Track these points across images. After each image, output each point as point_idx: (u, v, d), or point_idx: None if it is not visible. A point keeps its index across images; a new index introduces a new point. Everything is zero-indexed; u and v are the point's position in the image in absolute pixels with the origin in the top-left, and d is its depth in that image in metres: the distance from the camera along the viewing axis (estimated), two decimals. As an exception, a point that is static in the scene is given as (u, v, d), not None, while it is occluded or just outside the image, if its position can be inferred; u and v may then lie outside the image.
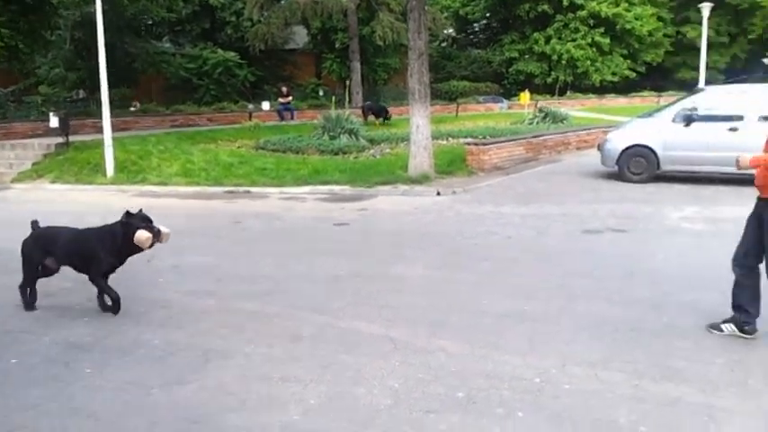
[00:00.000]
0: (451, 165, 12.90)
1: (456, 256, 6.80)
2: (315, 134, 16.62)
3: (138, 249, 5.04)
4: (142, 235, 4.92)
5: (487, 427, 3.35)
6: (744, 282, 4.56)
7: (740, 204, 9.03)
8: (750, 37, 45.20)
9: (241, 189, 11.38)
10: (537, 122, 20.39)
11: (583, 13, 41.84)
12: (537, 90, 38.65)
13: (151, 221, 5.11)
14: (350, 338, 4.55)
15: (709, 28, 28.56)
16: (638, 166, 11.33)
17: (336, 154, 14.77)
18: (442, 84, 38.45)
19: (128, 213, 5.10)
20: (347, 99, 21.12)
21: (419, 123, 11.94)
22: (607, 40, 42.42)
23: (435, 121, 16.19)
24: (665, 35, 44.83)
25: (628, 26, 42.02)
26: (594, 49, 42.59)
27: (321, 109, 24.44)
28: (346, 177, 11.69)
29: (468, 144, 13.80)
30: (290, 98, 26.01)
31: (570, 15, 42.40)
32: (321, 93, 33.78)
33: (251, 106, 25.71)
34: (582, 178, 12.08)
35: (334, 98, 18.33)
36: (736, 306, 4.55)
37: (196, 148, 14.60)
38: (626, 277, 5.90)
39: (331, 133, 16.28)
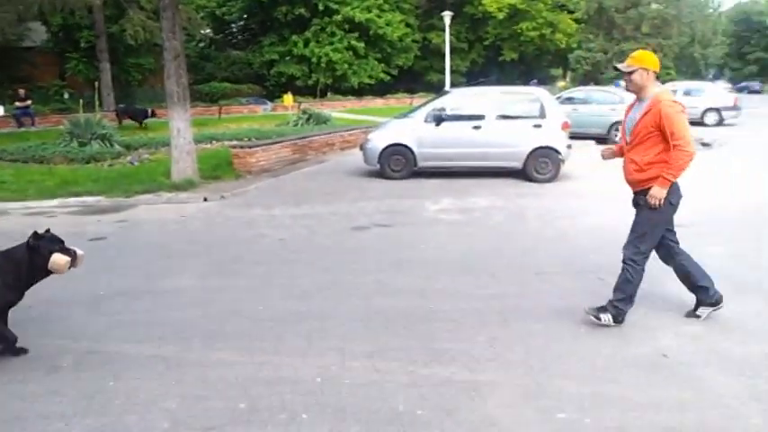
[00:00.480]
0: (217, 169, 12.56)
1: (229, 262, 6.62)
2: (61, 141, 15.10)
3: (43, 276, 4.22)
4: (60, 259, 4.11)
5: (272, 433, 3.30)
6: (681, 265, 4.76)
7: (487, 195, 10.10)
8: (485, 43, 50.55)
9: (-27, 206, 9.93)
10: (301, 124, 20.69)
11: (338, 17, 43.45)
12: (299, 92, 39.33)
13: (63, 242, 4.26)
14: (117, 363, 4.18)
15: (450, 35, 31.28)
16: (398, 163, 12.03)
17: (88, 162, 13.59)
18: (201, 85, 37.36)
19: (35, 234, 4.18)
20: (97, 102, 19.55)
21: (180, 127, 11.43)
22: (362, 45, 44.56)
23: (197, 124, 15.68)
24: (413, 41, 48.33)
25: (380, 31, 44.51)
26: (351, 53, 44.49)
27: (67, 113, 22.40)
28: (101, 187, 10.78)
29: (234, 147, 13.55)
30: (29, 102, 23.43)
31: (326, 20, 43.80)
32: (66, 95, 30.94)
33: (-18, 112, 22.73)
34: (348, 177, 12.50)
35: (82, 101, 16.81)
36: (693, 289, 4.76)
37: None
38: (393, 268, 6.21)
39: (80, 140, 14.92)
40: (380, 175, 12.11)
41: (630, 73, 4.49)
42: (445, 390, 3.71)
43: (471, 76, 48.95)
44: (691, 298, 4.80)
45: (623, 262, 4.61)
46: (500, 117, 11.77)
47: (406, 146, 11.96)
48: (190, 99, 11.95)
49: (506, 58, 49.94)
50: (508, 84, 28.30)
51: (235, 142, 16.12)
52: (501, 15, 47.11)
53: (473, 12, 48.86)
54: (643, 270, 4.59)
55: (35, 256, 4.17)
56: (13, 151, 14.37)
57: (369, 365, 4.05)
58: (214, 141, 17.37)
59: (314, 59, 43.63)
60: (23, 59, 33.30)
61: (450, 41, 32.35)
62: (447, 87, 28.36)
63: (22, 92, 23.46)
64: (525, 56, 50.92)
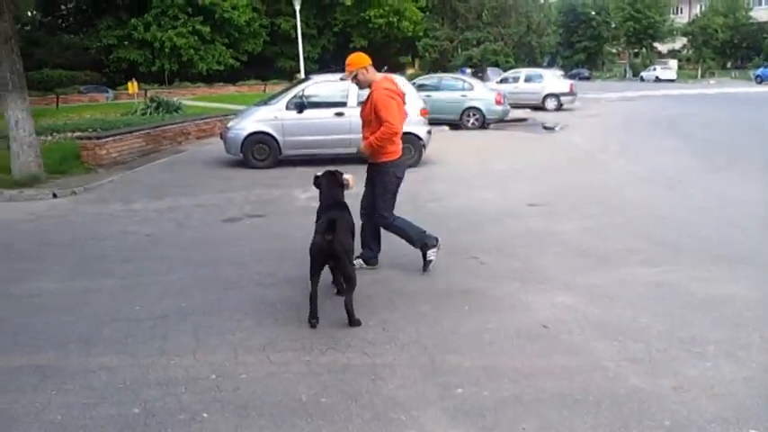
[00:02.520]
0: (64, 163, 11.66)
1: (93, 262, 6.20)
2: None
3: None
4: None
5: (173, 436, 3.18)
6: (367, 226, 5.77)
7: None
8: (335, 30, 50.73)
9: None
10: (150, 113, 19.65)
11: (180, 0, 41.63)
12: (144, 79, 37.32)
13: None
14: (-17, 377, 3.82)
15: (300, 21, 31.04)
16: (262, 152, 11.83)
17: None
18: (33, 72, 34.33)
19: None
20: None
21: (18, 117, 10.47)
22: (208, 29, 43.16)
23: (34, 115, 14.37)
24: (261, 26, 47.44)
25: (226, 15, 43.32)
26: (197, 38, 42.95)
27: None
28: (-74, 187, 9.65)
29: (81, 139, 12.64)
30: None
31: (168, 2, 41.86)
32: None
33: None
34: (210, 167, 12.11)
35: None
36: (363, 244, 5.76)
37: None
38: (272, 259, 6.14)
39: None
40: (244, 164, 11.85)
41: (355, 77, 5.39)
42: (345, 376, 3.75)
43: (323, 63, 49.04)
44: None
45: (385, 228, 5.72)
46: (361, 104, 11.88)
47: (269, 134, 11.78)
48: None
49: (356, 44, 50.38)
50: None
51: (79, 133, 15.01)
52: (348, 2, 47.48)
53: (321, -2, 48.91)
54: (398, 217, 5.69)
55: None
56: None
57: (263, 358, 4.00)
58: (55, 133, 16.06)
59: (156, 44, 41.60)
60: None
61: (301, 27, 32.15)
62: (302, 74, 28.19)
63: None
64: (374, 43, 51.70)
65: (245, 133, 11.86)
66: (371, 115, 5.36)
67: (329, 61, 49.01)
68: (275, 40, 49.18)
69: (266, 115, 12.04)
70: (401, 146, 5.62)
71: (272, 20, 48.73)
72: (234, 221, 7.82)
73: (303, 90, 12.21)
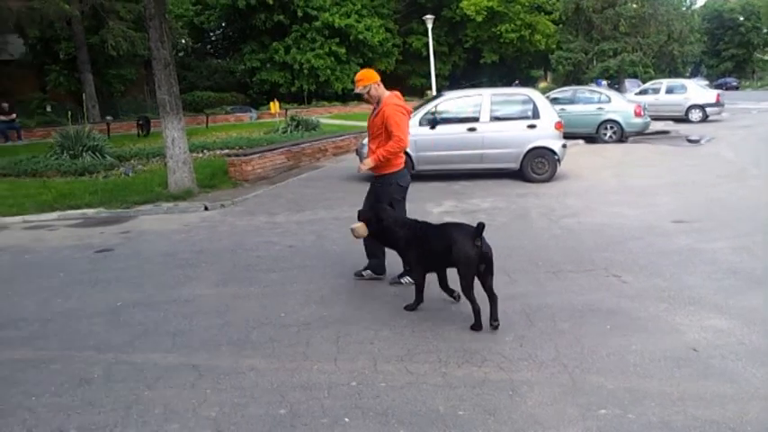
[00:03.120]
0: (214, 178, 12.51)
1: (241, 270, 6.60)
2: (52, 154, 14.92)
3: None
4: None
5: (318, 439, 3.31)
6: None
7: (487, 196, 10.17)
8: (465, 46, 50.81)
9: (-30, 222, 9.81)
10: (290, 131, 20.66)
11: (317, 23, 43.46)
12: (284, 99, 39.22)
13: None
14: (148, 373, 4.17)
15: (432, 39, 31.41)
16: (395, 167, 12.05)
17: (82, 174, 13.47)
18: (185, 95, 37.13)
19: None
20: (84, 113, 19.37)
21: (174, 136, 11.36)
22: (343, 50, 44.60)
23: (187, 134, 15.58)
24: (393, 45, 48.42)
25: (360, 36, 44.57)
26: (333, 59, 44.51)
27: (52, 126, 22.18)
28: (99, 199, 10.69)
29: (229, 155, 13.51)
30: (14, 115, 23.15)
31: (306, 26, 43.78)
32: (49, 108, 30.57)
33: (-35, 127, 22.42)
34: (345, 182, 12.51)
35: (70, 113, 16.65)
36: (370, 254, 6.00)
37: None
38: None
39: (71, 152, 14.76)
40: (378, 179, 12.12)
41: (368, 92, 5.66)
42: (482, 390, 3.74)
43: (454, 79, 49.25)
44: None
45: None
46: (494, 119, 11.85)
47: (402, 150, 11.98)
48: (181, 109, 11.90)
49: (487, 60, 50.23)
50: (491, 86, 28.48)
51: (227, 151, 16.07)
52: (479, 18, 47.37)
53: (451, 15, 49.13)
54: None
55: None
56: (5, 165, 14.20)
57: (402, 368, 4.07)
58: (205, 150, 17.30)
59: (296, 66, 43.59)
60: (1, 73, 32.89)
61: (432, 45, 32.50)
62: (433, 91, 28.49)
63: (5, 105, 23.15)
64: (505, 58, 51.24)
65: (379, 149, 12.14)
66: (381, 129, 5.60)
67: (460, 78, 49.16)
68: (407, 58, 50.03)
69: (400, 131, 12.24)
70: (404, 158, 5.94)
71: (405, 39, 49.65)
72: (369, 235, 8.01)
73: (436, 106, 12.34)
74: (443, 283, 5.19)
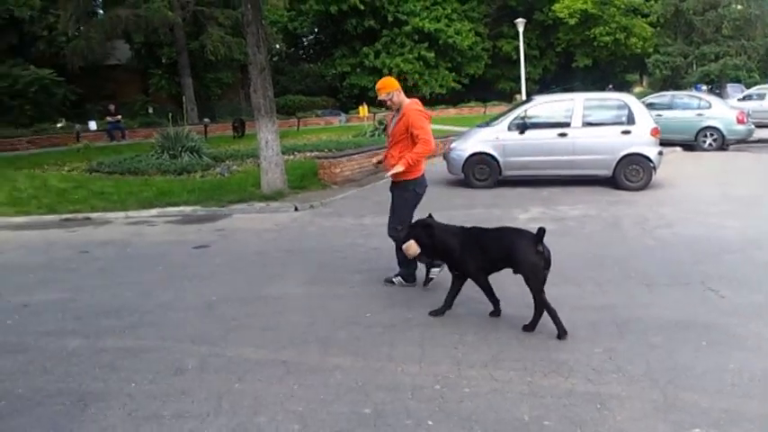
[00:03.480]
0: (304, 179, 12.82)
1: (327, 270, 6.74)
2: (153, 154, 15.74)
3: None
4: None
5: (401, 439, 3.34)
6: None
7: (577, 204, 9.93)
8: (557, 50, 49.72)
9: (80, 216, 10.47)
10: (378, 134, 20.84)
11: (407, 28, 43.71)
12: (373, 103, 39.54)
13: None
14: (238, 366, 4.33)
15: (522, 42, 30.93)
16: (483, 172, 11.99)
17: (180, 173, 14.12)
18: (278, 98, 38.14)
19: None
20: (184, 115, 20.30)
21: (268, 138, 11.73)
22: (432, 54, 44.63)
23: (279, 137, 16.03)
24: (483, 49, 48.02)
25: (449, 41, 44.47)
26: (422, 63, 44.63)
27: (153, 127, 23.33)
28: (196, 197, 11.19)
29: (319, 158, 13.81)
30: (119, 116, 24.53)
31: (396, 30, 44.11)
32: (150, 110, 32.20)
33: (77, 127, 23.91)
34: (432, 186, 12.27)
35: (170, 115, 17.50)
36: (400, 263, 6.09)
37: (20, 174, 13.30)
38: (492, 278, 6.17)
39: (171, 152, 15.52)
40: (465, 184, 12.09)
41: (391, 99, 5.83)
42: (569, 401, 3.67)
43: (544, 84, 48.30)
44: None
45: (395, 241, 5.97)
46: (586, 124, 11.56)
47: (490, 155, 11.91)
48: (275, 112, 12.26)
49: (579, 64, 48.93)
50: (583, 90, 27.76)
51: (316, 153, 16.43)
52: (572, 21, 46.22)
53: (543, 18, 48.19)
54: None
55: None
56: (110, 164, 15.08)
57: (486, 374, 4.05)
58: (296, 153, 17.76)
59: (385, 70, 43.93)
60: (109, 77, 34.93)
61: (523, 49, 32.00)
62: (522, 95, 28.07)
63: (112, 107, 24.57)
64: (599, 61, 49.74)
65: (466, 154, 12.12)
66: (405, 134, 5.76)
67: (550, 82, 48.15)
68: (496, 62, 49.50)
69: (488, 136, 12.19)
70: (423, 166, 6.04)
71: (494, 42, 49.14)
72: (455, 239, 7.99)
73: (526, 111, 12.17)
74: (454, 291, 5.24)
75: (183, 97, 27.18)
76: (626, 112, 11.52)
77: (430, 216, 5.34)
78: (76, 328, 5.21)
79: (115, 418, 3.67)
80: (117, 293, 6.19)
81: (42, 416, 3.73)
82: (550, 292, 4.70)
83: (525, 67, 32.04)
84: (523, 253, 4.59)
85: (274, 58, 47.23)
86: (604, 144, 11.32)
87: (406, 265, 6.04)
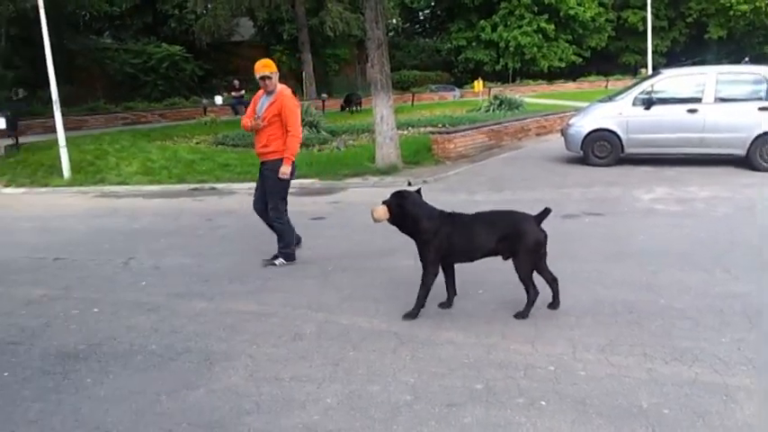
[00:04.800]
0: (417, 155, 12.87)
1: (441, 246, 6.75)
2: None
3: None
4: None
5: (513, 417, 3.32)
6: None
7: (706, 185, 9.36)
8: (688, 20, 46.60)
9: (206, 186, 11.11)
10: (493, 110, 20.55)
11: (527, 0, 42.40)
12: (488, 78, 39.03)
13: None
14: (354, 335, 4.46)
15: (650, 13, 29.23)
16: (603, 149, 11.52)
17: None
18: (393, 73, 38.31)
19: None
20: (303, 91, 20.88)
21: (383, 113, 11.85)
22: (552, 27, 43.19)
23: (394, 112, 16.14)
24: (607, 20, 45.84)
25: (571, 12, 42.84)
26: (540, 36, 43.32)
27: (274, 102, 24.05)
28: (314, 170, 11.53)
29: (433, 133, 13.80)
30: (243, 92, 25.58)
31: (515, 2, 43.01)
32: (272, 85, 33.24)
33: (204, 101, 25.22)
34: (548, 163, 12.22)
35: (290, 90, 18.03)
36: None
37: (153, 145, 14.24)
38: (613, 259, 5.97)
39: (290, 126, 16.00)
40: (583, 161, 11.69)
41: (271, 80, 6.13)
42: (691, 390, 3.50)
43: (672, 57, 45.48)
44: None
45: (274, 221, 6.28)
46: (719, 99, 10.80)
47: (611, 131, 11.42)
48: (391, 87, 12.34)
49: (713, 35, 45.63)
50: (716, 64, 25.90)
51: (430, 128, 16.42)
52: (707, -11, 43.18)
53: (675, -14, 45.32)
54: (288, 219, 6.35)
55: None
56: (234, 137, 15.80)
57: (602, 358, 3.93)
58: (410, 128, 17.84)
59: (502, 44, 43.09)
60: (234, 53, 36.45)
61: (650, 20, 30.19)
62: (648, 69, 26.61)
63: (236, 82, 25.66)
64: (734, 32, 46.16)
65: (585, 130, 11.68)
66: (276, 118, 6.09)
67: (679, 54, 45.26)
68: (620, 34, 47.12)
69: (610, 112, 11.68)
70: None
71: (619, 13, 46.76)
72: (572, 218, 7.78)
73: (652, 85, 11.53)
74: (451, 280, 4.95)
75: (303, 73, 27.93)
76: (764, 86, 10.65)
77: (418, 191, 4.93)
78: (203, 291, 5.56)
79: (238, 377, 3.90)
80: (240, 260, 6.53)
81: (174, 371, 4.02)
82: (675, 276, 4.48)
83: (652, 39, 30.29)
84: (530, 232, 4.57)
85: (390, 33, 47.38)
86: (739, 121, 10.54)
87: (278, 244, 6.32)
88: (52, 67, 12.38)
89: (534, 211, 4.81)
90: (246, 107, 21.86)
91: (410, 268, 5.91)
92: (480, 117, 18.61)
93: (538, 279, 4.69)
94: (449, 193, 9.74)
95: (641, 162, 11.38)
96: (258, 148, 6.35)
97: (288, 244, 6.32)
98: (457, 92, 35.97)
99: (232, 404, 3.56)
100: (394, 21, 43.31)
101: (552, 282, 4.74)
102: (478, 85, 26.05)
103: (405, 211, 4.69)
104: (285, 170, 6.11)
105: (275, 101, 6.13)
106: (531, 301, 4.62)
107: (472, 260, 4.81)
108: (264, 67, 6.16)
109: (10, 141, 14.25)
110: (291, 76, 32.45)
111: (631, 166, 11.22)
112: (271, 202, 6.28)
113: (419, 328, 4.52)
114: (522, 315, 4.61)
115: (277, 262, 6.29)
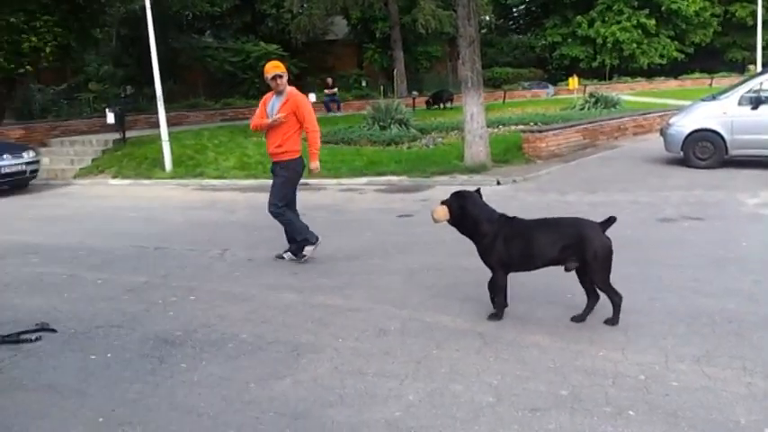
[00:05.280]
0: (507, 153, 12.71)
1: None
2: (365, 125, 16.55)
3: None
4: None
5: (599, 426, 3.22)
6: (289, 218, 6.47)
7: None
8: (806, 13, 43.50)
9: (298, 181, 11.39)
10: (588, 108, 19.96)
11: (627, -7, 40.88)
12: (584, 75, 37.96)
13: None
14: (437, 333, 4.47)
15: (761, 6, 27.51)
16: (705, 151, 10.98)
17: (389, 144, 14.70)
18: (484, 71, 37.90)
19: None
20: (394, 88, 21.02)
21: (473, 111, 11.76)
22: (653, 22, 41.44)
23: (484, 109, 15.98)
24: (712, 15, 43.48)
25: (673, 6, 40.94)
26: (640, 32, 41.64)
27: (365, 99, 24.41)
28: (402, 168, 11.61)
29: (524, 132, 13.58)
30: (336, 89, 26.01)
31: (614, -3, 41.45)
32: (364, 83, 33.71)
33: (298, 98, 25.80)
34: (646, 164, 11.76)
35: (381, 88, 18.23)
36: (289, 240, 6.53)
37: (250, 141, 14.72)
38: (713, 266, 5.69)
39: (381, 123, 16.19)
40: (683, 162, 11.18)
41: (282, 80, 6.22)
42: (796, 409, 3.29)
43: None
44: None
45: (275, 217, 6.42)
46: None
47: (715, 131, 10.86)
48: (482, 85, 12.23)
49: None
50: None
51: (521, 127, 16.15)
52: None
53: (791, -23, 42.43)
54: (291, 212, 6.47)
55: None
56: (326, 134, 16.06)
57: (697, 370, 3.76)
58: (500, 126, 17.61)
59: (599, 40, 41.71)
60: (328, 51, 37.17)
61: (761, 14, 28.38)
62: (758, 66, 25.10)
63: (329, 80, 26.13)
64: None
65: (687, 130, 11.16)
66: (291, 117, 6.23)
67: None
68: (727, 29, 44.57)
69: (713, 111, 11.11)
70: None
71: (726, 7, 44.24)
72: (669, 222, 7.46)
73: (761, 83, 10.87)
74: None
75: (394, 70, 28.09)
76: None
77: (477, 191, 4.83)
78: (293, 284, 5.72)
79: (323, 369, 3.99)
80: (329, 255, 6.66)
81: (263, 360, 4.16)
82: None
83: (762, 35, 28.50)
84: (596, 239, 4.36)
85: (483, 30, 46.89)
86: None
87: (296, 240, 6.44)
88: (157, 64, 13.06)
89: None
90: (339, 105, 22.38)
91: (480, 269, 5.86)
92: (574, 115, 18.13)
93: (572, 286, 4.53)
94: (539, 192, 9.57)
95: (746, 165, 10.75)
96: (272, 149, 6.42)
97: (302, 232, 6.42)
98: (551, 89, 35.18)
99: (317, 396, 3.64)
100: (486, 17, 42.79)
101: (595, 295, 4.52)
102: (573, 82, 25.38)
103: (465, 211, 4.63)
104: (315, 165, 6.41)
105: (287, 100, 6.24)
106: (616, 306, 4.46)
107: (532, 269, 4.66)
108: (275, 67, 6.29)
109: (117, 136, 15.15)
110: (383, 74, 32.75)
111: (735, 168, 10.62)
112: (273, 198, 6.42)
113: (504, 330, 4.48)
114: (611, 321, 4.46)
115: (285, 256, 6.53)
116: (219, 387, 3.79)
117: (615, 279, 5.41)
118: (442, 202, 4.70)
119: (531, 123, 16.74)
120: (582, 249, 4.38)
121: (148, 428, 3.37)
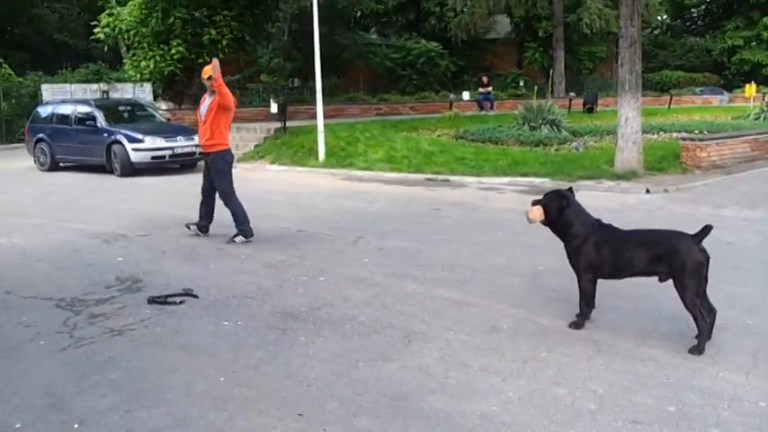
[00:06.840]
0: (663, 161, 12.04)
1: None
2: (514, 125, 16.39)
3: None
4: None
5: (703, 447, 3.10)
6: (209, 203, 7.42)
7: None
8: None
9: (440, 177, 11.59)
10: (765, 117, 18.31)
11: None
12: (765, 82, 34.66)
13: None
14: (550, 336, 4.44)
15: None
16: None
17: (537, 146, 14.45)
18: (653, 74, 36.02)
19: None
20: (550, 89, 20.56)
21: (628, 116, 11.28)
22: None
23: (645, 114, 15.15)
24: None
25: None
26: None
27: (521, 99, 24.05)
28: (546, 170, 11.40)
29: (683, 139, 12.77)
30: (490, 88, 25.87)
31: (811, -4, 37.46)
32: (521, 83, 33.22)
33: (452, 96, 26.06)
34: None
35: (536, 88, 17.91)
36: (205, 216, 7.47)
37: (399, 135, 15.13)
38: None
39: (531, 124, 15.95)
40: None
41: (211, 78, 6.98)
42: None
43: None
44: None
45: (225, 205, 7.25)
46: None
47: None
48: (641, 88, 11.68)
49: None
50: None
51: (684, 134, 15.18)
52: None
53: None
54: (236, 198, 7.21)
55: None
56: (474, 132, 16.14)
57: (832, 405, 3.45)
58: (661, 132, 16.67)
59: (788, 44, 37.96)
60: (488, 50, 37.03)
61: None
62: None
63: (485, 79, 26.02)
64: None
65: None
66: (218, 107, 7.09)
67: None
68: None
69: None
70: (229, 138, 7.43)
71: None
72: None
73: None
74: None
75: (552, 71, 27.42)
76: None
77: (570, 190, 4.68)
78: (416, 274, 5.91)
79: (430, 358, 4.12)
80: (456, 250, 6.77)
81: (376, 343, 4.37)
82: None
83: None
84: (687, 252, 4.11)
85: (655, 31, 44.39)
86: None
87: (244, 220, 7.15)
88: (319, 59, 13.81)
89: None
90: (492, 103, 22.19)
91: (625, 281, 5.62)
92: (746, 125, 16.74)
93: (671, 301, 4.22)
94: (691, 204, 9.02)
95: None
96: (203, 141, 7.30)
97: (242, 221, 7.13)
98: (725, 96, 32.56)
99: (419, 381, 3.79)
100: (659, 17, 40.38)
101: (708, 313, 4.17)
102: (750, 89, 23.29)
103: (560, 212, 4.58)
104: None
105: (215, 98, 7.08)
106: (701, 330, 4.12)
107: (619, 277, 4.52)
108: (206, 72, 7.10)
109: (279, 125, 16.20)
110: (542, 74, 32.01)
111: None
112: (219, 186, 7.20)
113: (622, 340, 4.35)
114: (696, 350, 4.11)
115: (237, 240, 7.14)
116: (332, 363, 4.05)
117: (758, 302, 5.07)
118: (536, 202, 4.70)
119: (696, 131, 15.68)
120: (670, 262, 4.19)
121: (262, 392, 3.69)
